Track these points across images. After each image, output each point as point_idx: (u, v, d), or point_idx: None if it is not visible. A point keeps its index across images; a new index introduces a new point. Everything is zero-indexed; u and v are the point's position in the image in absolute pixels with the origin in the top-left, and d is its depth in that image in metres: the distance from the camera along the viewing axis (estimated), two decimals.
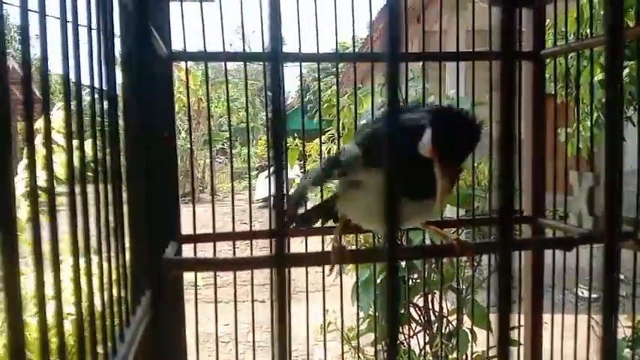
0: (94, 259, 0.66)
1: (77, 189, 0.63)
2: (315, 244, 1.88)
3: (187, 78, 1.74)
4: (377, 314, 2.12)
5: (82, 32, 0.66)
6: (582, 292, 1.86)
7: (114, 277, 0.72)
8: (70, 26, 0.57)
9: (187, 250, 1.76)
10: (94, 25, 0.70)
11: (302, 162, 2.21)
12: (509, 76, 0.26)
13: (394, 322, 0.31)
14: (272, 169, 0.28)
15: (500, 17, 0.26)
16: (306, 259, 1.52)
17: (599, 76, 2.43)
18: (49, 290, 0.58)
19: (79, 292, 0.63)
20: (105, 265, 0.68)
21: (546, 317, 1.97)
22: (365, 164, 1.22)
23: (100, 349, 0.67)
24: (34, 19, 0.47)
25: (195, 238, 1.74)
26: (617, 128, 0.27)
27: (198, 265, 1.40)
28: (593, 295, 1.83)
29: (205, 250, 1.87)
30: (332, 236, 1.74)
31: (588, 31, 1.95)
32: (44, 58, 0.46)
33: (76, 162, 0.60)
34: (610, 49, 0.26)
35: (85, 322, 0.61)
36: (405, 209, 1.21)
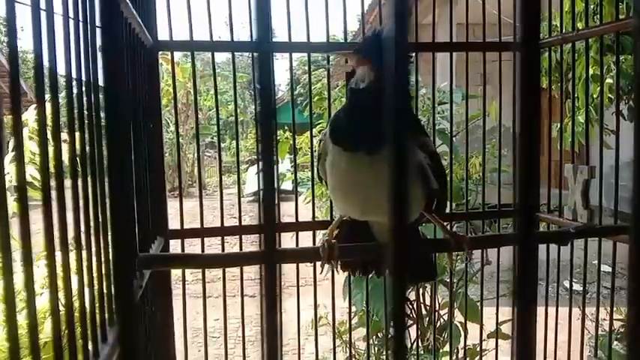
0: (77, 255, 0.63)
1: (63, 185, 0.60)
2: (306, 239, 1.86)
3: (173, 68, 1.70)
4: (369, 309, 2.11)
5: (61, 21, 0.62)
6: (574, 285, 1.86)
7: (96, 273, 0.69)
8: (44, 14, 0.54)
9: (175, 245, 1.73)
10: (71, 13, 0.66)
11: (293, 155, 2.18)
12: (531, 66, 0.23)
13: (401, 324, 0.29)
14: (261, 164, 0.25)
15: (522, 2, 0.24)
16: (295, 256, 1.48)
17: (592, 70, 2.42)
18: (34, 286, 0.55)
19: (66, 287, 0.60)
20: (86, 261, 0.66)
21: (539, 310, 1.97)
22: (332, 141, 1.31)
23: (87, 349, 0.64)
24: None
25: (183, 234, 1.71)
26: None
27: (174, 262, 1.36)
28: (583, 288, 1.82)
29: (195, 244, 1.84)
30: (324, 231, 1.71)
31: (581, 24, 1.93)
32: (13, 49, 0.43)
33: (54, 156, 0.57)
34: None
35: (65, 322, 0.58)
36: (351, 167, 1.26)
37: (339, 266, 1.52)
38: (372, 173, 1.24)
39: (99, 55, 0.79)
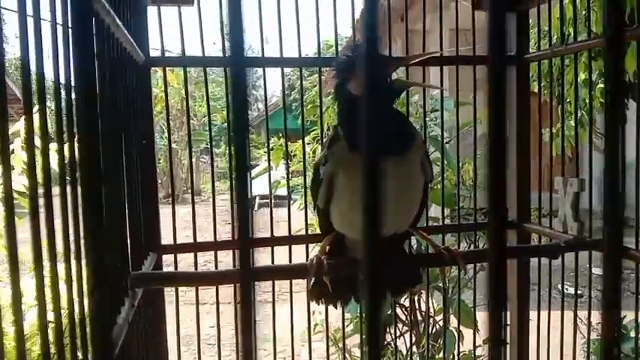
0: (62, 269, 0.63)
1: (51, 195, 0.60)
2: (300, 248, 1.86)
3: (165, 84, 1.71)
4: (363, 316, 2.10)
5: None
6: (567, 289, 1.87)
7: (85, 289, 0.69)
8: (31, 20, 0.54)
9: (168, 258, 1.72)
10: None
11: (287, 162, 2.18)
12: (498, 81, 0.24)
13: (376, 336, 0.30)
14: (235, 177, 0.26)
15: (490, 21, 0.25)
16: (280, 273, 1.46)
17: (582, 76, 2.43)
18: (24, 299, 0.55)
19: (54, 301, 0.60)
20: (75, 275, 0.66)
21: (532, 314, 1.97)
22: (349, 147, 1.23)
23: None
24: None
25: (175, 249, 1.71)
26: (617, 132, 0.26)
27: (166, 281, 1.36)
28: (578, 292, 1.83)
29: (189, 256, 1.84)
30: (315, 244, 1.70)
31: (571, 30, 1.95)
32: None
33: (43, 165, 0.57)
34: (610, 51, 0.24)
35: (52, 335, 0.58)
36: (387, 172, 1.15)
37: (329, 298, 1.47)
38: (396, 179, 1.17)
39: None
